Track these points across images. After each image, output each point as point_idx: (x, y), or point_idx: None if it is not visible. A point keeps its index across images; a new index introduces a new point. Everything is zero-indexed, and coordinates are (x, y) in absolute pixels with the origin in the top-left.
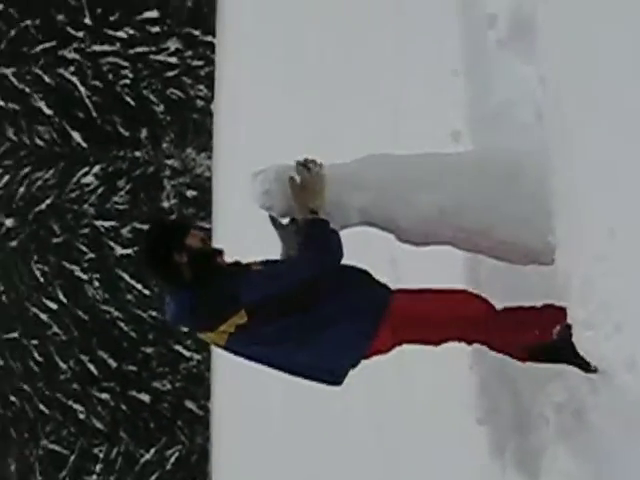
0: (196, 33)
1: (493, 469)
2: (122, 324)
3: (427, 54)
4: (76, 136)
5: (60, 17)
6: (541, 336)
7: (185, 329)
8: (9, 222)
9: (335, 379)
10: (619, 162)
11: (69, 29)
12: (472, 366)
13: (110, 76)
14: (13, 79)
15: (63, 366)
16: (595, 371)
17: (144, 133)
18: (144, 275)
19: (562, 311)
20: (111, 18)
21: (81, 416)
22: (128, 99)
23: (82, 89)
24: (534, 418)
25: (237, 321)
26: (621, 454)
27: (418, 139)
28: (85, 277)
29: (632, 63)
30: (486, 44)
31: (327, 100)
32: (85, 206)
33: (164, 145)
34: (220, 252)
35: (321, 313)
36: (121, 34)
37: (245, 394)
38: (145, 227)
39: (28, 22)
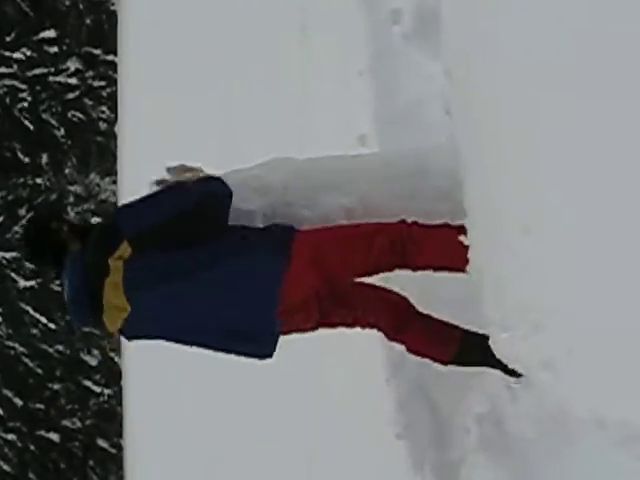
0: (97, 52)
1: None
2: (27, 360)
3: (330, 54)
4: None
5: None
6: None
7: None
8: None
9: (260, 345)
10: (531, 156)
11: None
12: (389, 379)
13: (7, 100)
14: None
15: None
16: (520, 375)
17: (45, 159)
18: (48, 308)
19: None
20: (7, 39)
21: None
22: (27, 123)
23: None
24: (454, 430)
25: (123, 255)
26: (540, 460)
27: (323, 144)
28: None
29: (536, 53)
30: (392, 40)
31: (232, 111)
32: None
33: (66, 171)
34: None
35: (220, 247)
36: (18, 55)
37: (160, 429)
38: None
39: None
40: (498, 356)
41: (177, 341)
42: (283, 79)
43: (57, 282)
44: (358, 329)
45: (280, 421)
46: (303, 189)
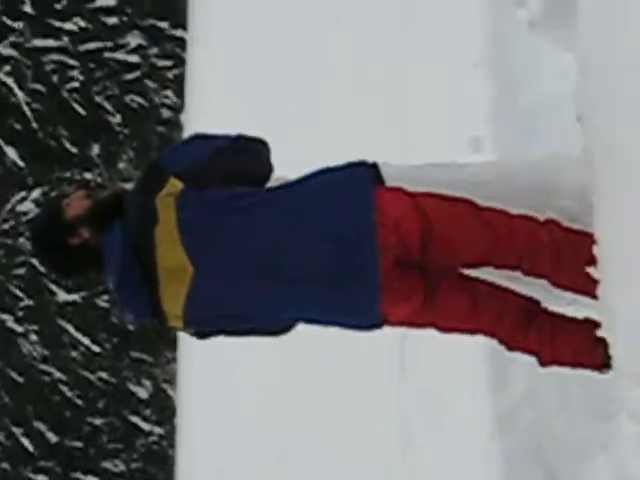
0: (163, 25)
1: None
2: (65, 388)
3: (439, 42)
4: (11, 152)
5: None
6: None
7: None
8: None
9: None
10: None
11: (4, 19)
12: (494, 435)
13: (55, 78)
14: None
15: None
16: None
17: (96, 150)
18: (93, 327)
19: None
20: (57, 6)
21: None
22: (77, 107)
23: (19, 94)
24: None
25: (172, 191)
26: None
27: (429, 148)
28: (20, 329)
29: None
30: (514, 27)
31: (324, 104)
32: (21, 240)
33: (121, 165)
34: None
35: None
36: (69, 26)
37: (216, 477)
38: None
39: None
40: (629, 413)
41: (259, 309)
42: (384, 70)
43: (104, 295)
44: (465, 336)
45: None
46: None
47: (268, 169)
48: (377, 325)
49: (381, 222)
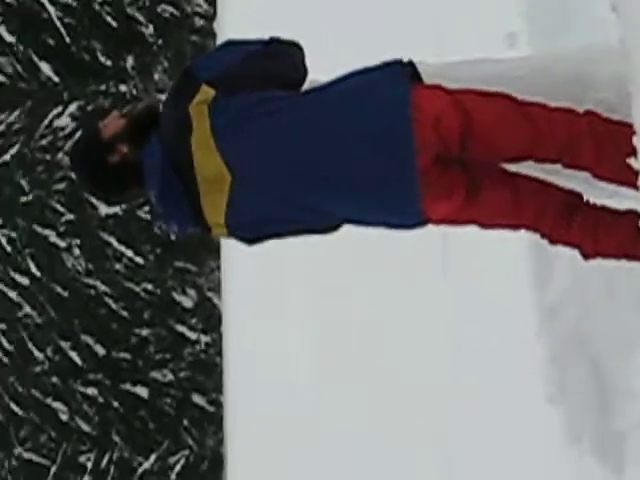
0: None
1: (567, 458)
2: (110, 301)
3: None
4: (45, 68)
5: None
6: None
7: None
8: None
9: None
10: None
11: None
12: (539, 330)
13: None
14: None
15: (39, 355)
16: None
17: (130, 61)
18: (135, 239)
19: None
20: None
21: (63, 417)
22: (109, 19)
23: (51, 9)
24: (620, 393)
25: (205, 98)
26: None
27: (464, 46)
28: (63, 244)
29: None
30: None
31: (356, 6)
32: (60, 155)
33: (156, 76)
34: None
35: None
36: None
37: (265, 384)
38: None
39: None
40: None
41: (300, 205)
42: None
43: (145, 207)
44: (510, 232)
45: (408, 392)
46: None
47: (303, 72)
48: (420, 223)
49: (418, 119)
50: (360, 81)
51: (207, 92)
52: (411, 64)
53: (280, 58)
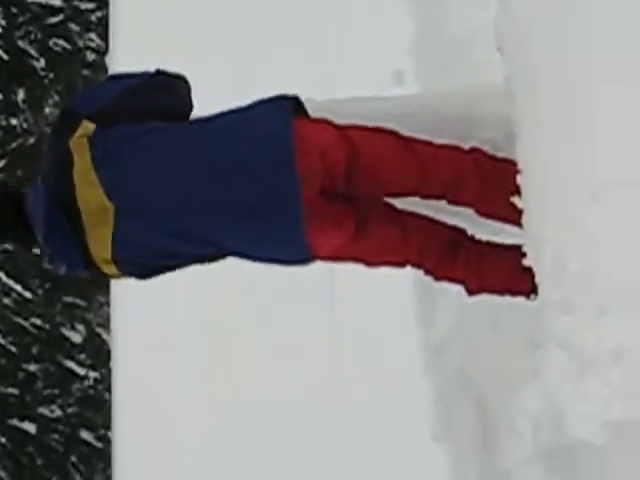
0: None
1: None
2: None
3: None
4: None
5: None
6: None
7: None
8: None
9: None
10: (600, 109)
11: None
12: (425, 367)
13: None
14: None
15: None
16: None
17: (21, 95)
18: (24, 273)
19: None
20: None
21: None
22: (0, 52)
23: None
24: (504, 431)
25: (85, 132)
26: (610, 474)
27: (352, 82)
28: None
29: None
30: None
31: (246, 41)
32: None
33: (47, 109)
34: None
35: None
36: None
37: (155, 420)
38: None
39: None
40: (557, 341)
41: (183, 236)
42: (306, 4)
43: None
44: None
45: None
46: None
47: (188, 105)
48: (307, 258)
49: (301, 147)
50: (242, 113)
51: (87, 126)
52: (295, 98)
53: (164, 91)
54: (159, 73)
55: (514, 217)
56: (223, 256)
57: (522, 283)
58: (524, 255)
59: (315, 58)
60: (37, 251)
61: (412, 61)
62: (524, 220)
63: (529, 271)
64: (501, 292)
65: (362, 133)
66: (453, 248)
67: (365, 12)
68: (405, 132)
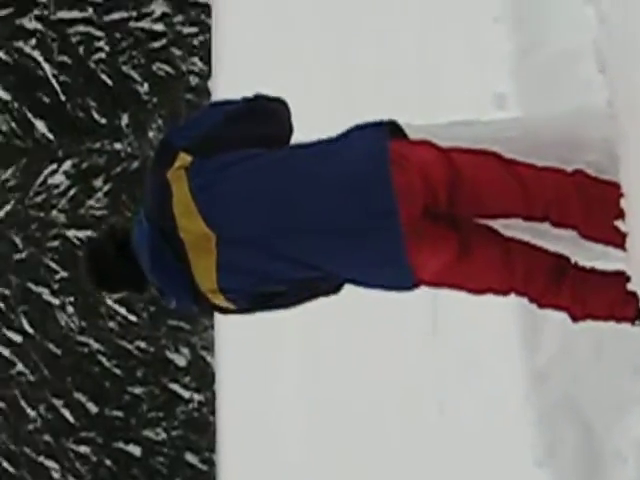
0: None
1: None
2: (103, 359)
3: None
4: (40, 126)
5: None
6: None
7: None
8: None
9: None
10: None
11: None
12: (529, 393)
13: (81, 50)
14: None
15: (31, 413)
16: None
17: (125, 120)
18: (129, 297)
19: None
20: None
21: (56, 475)
22: (104, 77)
23: (46, 66)
24: (609, 457)
25: (182, 164)
26: None
27: (452, 106)
28: (56, 301)
29: None
30: None
31: (349, 66)
32: (54, 212)
33: (151, 134)
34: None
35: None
36: None
37: (259, 442)
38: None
39: None
40: None
41: (287, 260)
42: (404, 25)
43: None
44: (499, 297)
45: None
46: None
47: (288, 130)
48: (411, 281)
49: (399, 164)
50: (339, 138)
51: (184, 158)
52: (392, 122)
53: (264, 116)
54: (258, 98)
55: (618, 240)
56: (332, 286)
57: (626, 309)
58: (628, 280)
59: (415, 82)
60: (151, 292)
61: (513, 83)
62: (628, 243)
63: (634, 296)
64: (605, 318)
65: (463, 154)
66: (558, 275)
67: (464, 34)
68: (507, 155)
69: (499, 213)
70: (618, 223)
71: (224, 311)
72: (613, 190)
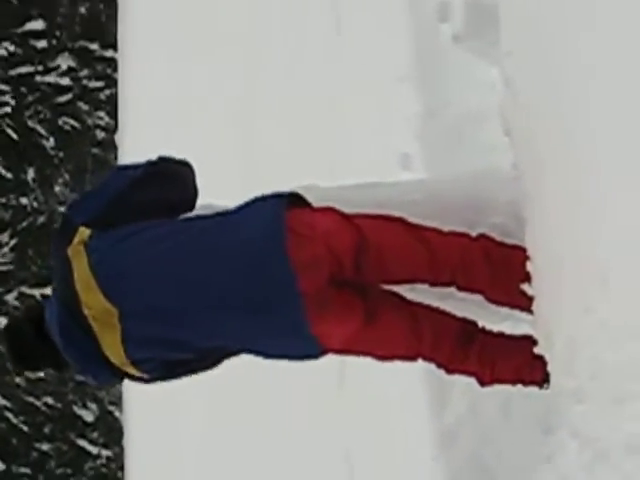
0: (93, 47)
1: None
2: (10, 415)
3: (365, 57)
4: None
5: None
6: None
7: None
8: None
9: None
10: (608, 188)
11: None
12: (435, 456)
13: None
14: None
15: None
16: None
17: (31, 174)
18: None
19: None
20: None
21: None
22: (10, 132)
23: None
24: None
25: (81, 238)
26: None
27: (358, 166)
28: None
29: (621, 60)
30: (439, 41)
31: (253, 124)
32: None
33: (57, 188)
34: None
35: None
36: None
37: None
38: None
39: None
40: (570, 431)
41: (191, 331)
42: (309, 87)
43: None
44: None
45: None
46: None
47: (193, 192)
48: (317, 351)
49: (298, 235)
50: (239, 208)
51: (83, 233)
52: (292, 193)
53: (167, 180)
54: (163, 160)
55: (525, 303)
56: (235, 353)
57: (534, 373)
58: (535, 343)
59: (322, 142)
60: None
61: (418, 144)
62: (535, 307)
63: (541, 360)
64: (514, 382)
65: (369, 220)
66: (465, 341)
67: (369, 94)
68: (413, 219)
69: (405, 278)
70: (524, 286)
71: (145, 381)
72: (518, 253)
